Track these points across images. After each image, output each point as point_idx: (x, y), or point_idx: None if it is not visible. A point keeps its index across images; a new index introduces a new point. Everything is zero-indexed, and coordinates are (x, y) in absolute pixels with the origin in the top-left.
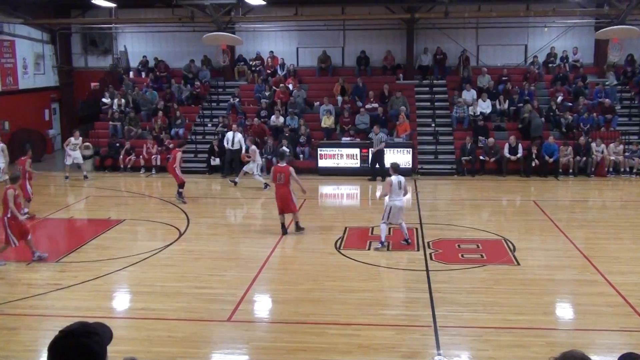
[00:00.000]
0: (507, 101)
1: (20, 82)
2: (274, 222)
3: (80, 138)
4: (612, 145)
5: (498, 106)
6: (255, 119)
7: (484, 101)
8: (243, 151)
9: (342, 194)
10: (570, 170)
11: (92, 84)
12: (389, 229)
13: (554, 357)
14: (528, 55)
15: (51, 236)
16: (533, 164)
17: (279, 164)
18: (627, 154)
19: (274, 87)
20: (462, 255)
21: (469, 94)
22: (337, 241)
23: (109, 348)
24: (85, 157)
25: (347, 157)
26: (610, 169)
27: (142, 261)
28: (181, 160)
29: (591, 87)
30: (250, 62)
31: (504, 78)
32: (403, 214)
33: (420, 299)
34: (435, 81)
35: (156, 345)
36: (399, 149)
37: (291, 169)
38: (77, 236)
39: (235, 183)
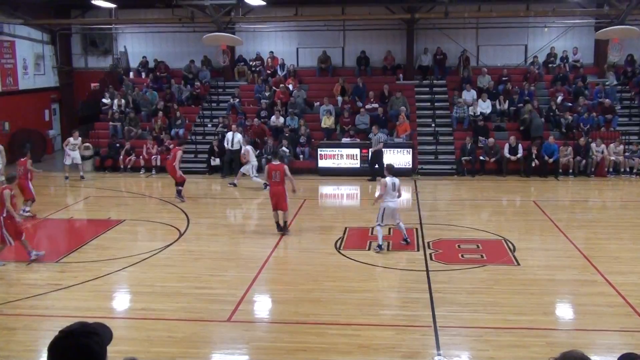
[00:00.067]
0: (507, 101)
1: (20, 83)
2: (273, 222)
3: (80, 138)
4: (612, 145)
5: (498, 106)
6: (255, 119)
7: (484, 101)
8: (242, 151)
9: (342, 194)
10: (570, 171)
11: (92, 85)
12: (389, 229)
13: (554, 357)
14: (528, 56)
15: (51, 236)
16: (533, 164)
17: (272, 162)
18: (627, 154)
19: (274, 88)
20: (462, 256)
21: (469, 94)
22: (337, 241)
23: (109, 348)
24: (84, 158)
25: (347, 157)
26: (610, 169)
27: (142, 261)
28: (181, 159)
29: (591, 87)
30: (250, 63)
31: (504, 78)
32: (398, 215)
33: (420, 299)
34: (435, 81)
35: (156, 345)
36: (399, 149)
37: (285, 167)
38: (77, 236)
39: (235, 185)
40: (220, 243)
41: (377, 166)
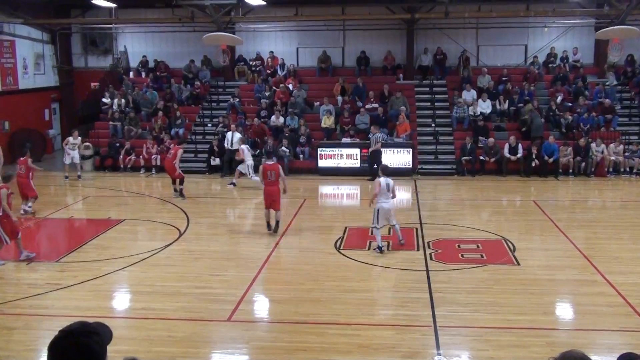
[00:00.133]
0: (507, 101)
1: (20, 82)
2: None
3: (79, 138)
4: (612, 145)
5: (498, 106)
6: (255, 119)
7: (484, 101)
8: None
9: (342, 194)
10: (570, 171)
11: (92, 84)
12: (389, 228)
13: (554, 357)
14: (528, 56)
15: (51, 236)
16: (533, 164)
17: (267, 162)
18: (627, 154)
19: (274, 87)
20: (462, 255)
21: (469, 94)
22: (337, 241)
23: (109, 348)
24: (85, 157)
25: (347, 157)
26: (610, 169)
27: (142, 261)
28: (181, 158)
29: (591, 87)
30: (250, 62)
31: (504, 78)
32: (394, 215)
33: (420, 299)
34: (435, 81)
35: (156, 345)
36: (399, 149)
37: (279, 166)
38: (77, 236)
39: (234, 184)
40: (220, 243)
41: (375, 166)
